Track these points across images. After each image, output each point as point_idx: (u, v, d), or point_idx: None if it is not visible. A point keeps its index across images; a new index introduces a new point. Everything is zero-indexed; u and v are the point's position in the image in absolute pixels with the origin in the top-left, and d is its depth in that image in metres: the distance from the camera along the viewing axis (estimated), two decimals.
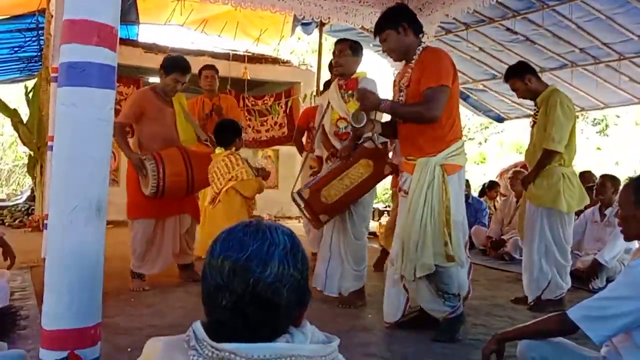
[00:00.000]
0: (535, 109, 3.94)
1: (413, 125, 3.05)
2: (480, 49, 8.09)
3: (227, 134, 3.87)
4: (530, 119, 4.13)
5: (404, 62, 3.21)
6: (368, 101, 3.08)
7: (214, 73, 5.38)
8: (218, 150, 3.90)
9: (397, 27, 3.07)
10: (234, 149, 3.85)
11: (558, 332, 1.93)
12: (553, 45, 7.89)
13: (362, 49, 3.98)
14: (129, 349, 2.76)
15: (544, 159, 3.73)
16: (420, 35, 3.14)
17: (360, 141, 3.55)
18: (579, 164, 18.30)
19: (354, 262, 3.77)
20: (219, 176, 3.75)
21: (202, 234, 4.06)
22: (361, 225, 3.82)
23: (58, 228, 1.64)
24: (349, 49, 3.86)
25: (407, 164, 3.13)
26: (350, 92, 3.77)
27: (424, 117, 2.98)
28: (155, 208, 4.08)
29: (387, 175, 3.60)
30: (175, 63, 4.20)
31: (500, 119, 10.63)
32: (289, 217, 9.38)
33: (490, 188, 8.22)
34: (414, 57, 3.07)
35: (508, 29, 7.60)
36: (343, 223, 3.79)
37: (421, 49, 3.08)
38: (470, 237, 4.02)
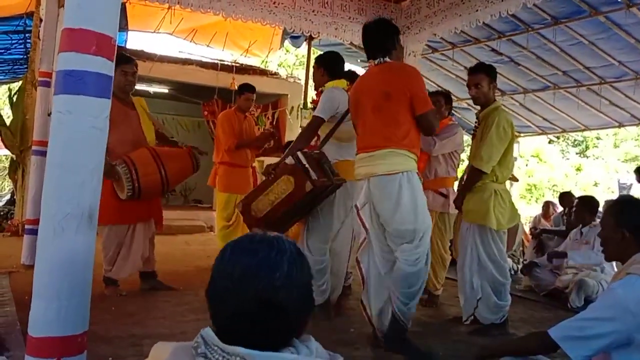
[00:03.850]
0: (476, 122, 3.87)
1: None
2: (466, 68, 8.20)
3: None
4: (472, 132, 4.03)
5: None
6: None
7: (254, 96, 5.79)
8: None
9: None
10: None
11: (539, 350, 1.96)
12: (537, 67, 8.06)
13: (329, 60, 4.03)
14: (109, 358, 2.73)
15: (470, 177, 3.71)
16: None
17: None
18: (560, 184, 18.62)
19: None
20: None
21: None
22: (317, 239, 3.80)
23: (49, 235, 1.64)
24: (315, 63, 4.06)
25: None
26: (313, 105, 4.05)
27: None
28: (126, 213, 4.12)
29: (309, 191, 3.43)
30: (117, 57, 4.36)
31: None
32: None
33: None
34: None
35: (493, 50, 7.75)
36: (302, 237, 3.85)
37: None
38: None
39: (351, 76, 4.24)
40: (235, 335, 1.02)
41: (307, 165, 3.40)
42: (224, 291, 1.04)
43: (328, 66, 3.96)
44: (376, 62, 3.21)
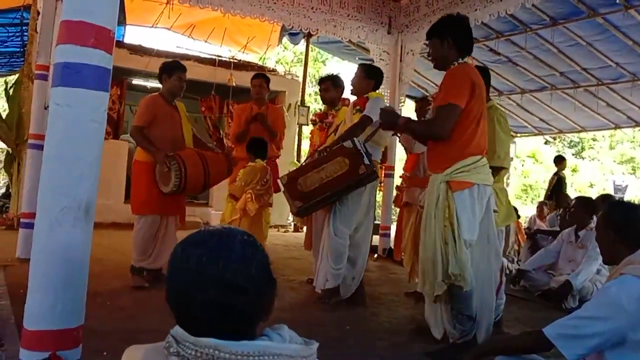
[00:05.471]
0: None
1: (431, 142, 3.15)
2: None
3: (264, 149, 4.82)
4: None
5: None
6: (386, 119, 3.28)
7: (262, 81, 5.48)
8: (259, 161, 4.81)
9: (443, 37, 3.07)
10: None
11: (533, 349, 1.97)
12: (534, 68, 8.07)
13: (379, 75, 4.39)
14: (104, 353, 2.72)
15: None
16: (464, 54, 3.10)
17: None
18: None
19: (332, 260, 3.99)
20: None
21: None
22: (342, 224, 4.00)
23: (45, 227, 1.63)
24: (365, 73, 4.30)
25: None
26: (358, 107, 4.17)
27: (429, 134, 3.11)
28: (163, 206, 4.31)
29: (362, 175, 3.68)
30: (174, 64, 4.55)
31: None
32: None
33: None
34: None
35: (491, 50, 7.76)
36: (327, 220, 4.06)
37: (456, 64, 3.04)
38: None
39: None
40: (205, 329, 1.02)
41: (363, 151, 3.65)
42: (185, 286, 1.04)
43: (377, 80, 4.34)
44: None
